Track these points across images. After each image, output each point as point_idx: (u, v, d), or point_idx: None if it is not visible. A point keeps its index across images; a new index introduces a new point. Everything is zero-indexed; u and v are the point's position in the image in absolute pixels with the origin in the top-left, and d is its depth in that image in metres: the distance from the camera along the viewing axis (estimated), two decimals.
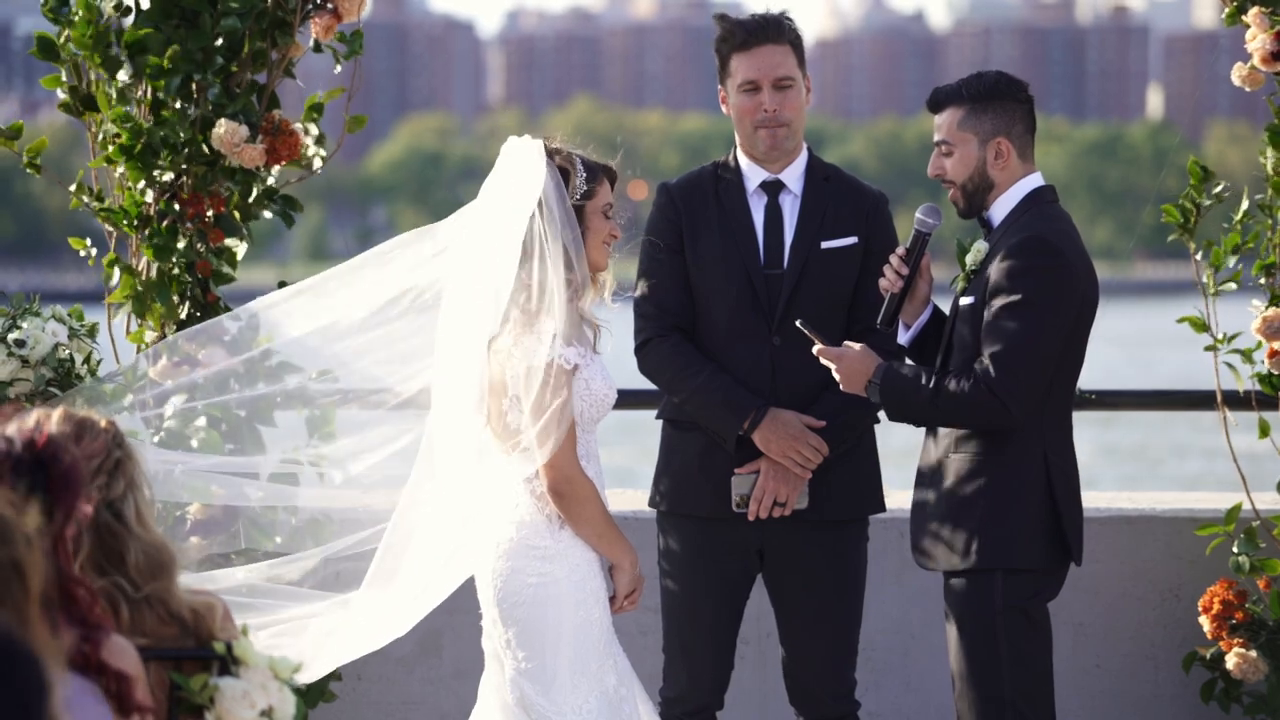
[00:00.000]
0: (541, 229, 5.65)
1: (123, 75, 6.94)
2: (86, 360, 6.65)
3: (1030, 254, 5.76)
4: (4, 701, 3.12)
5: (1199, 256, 7.04)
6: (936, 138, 5.95)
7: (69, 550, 3.99)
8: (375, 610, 5.73)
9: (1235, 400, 7.20)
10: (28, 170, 7.07)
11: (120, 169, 6.95)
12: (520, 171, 5.71)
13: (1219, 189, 7.01)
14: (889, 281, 5.97)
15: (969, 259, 5.90)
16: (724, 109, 6.46)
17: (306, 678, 5.67)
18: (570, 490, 5.63)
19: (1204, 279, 7.06)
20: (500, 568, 5.68)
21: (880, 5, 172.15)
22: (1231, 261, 7.03)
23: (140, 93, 6.99)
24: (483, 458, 5.74)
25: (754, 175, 6.39)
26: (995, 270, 5.78)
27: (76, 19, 6.94)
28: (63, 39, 6.98)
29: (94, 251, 7.03)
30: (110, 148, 6.93)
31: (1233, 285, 7.02)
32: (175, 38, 6.87)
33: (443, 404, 5.76)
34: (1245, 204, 7.02)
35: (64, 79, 7.01)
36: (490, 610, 5.71)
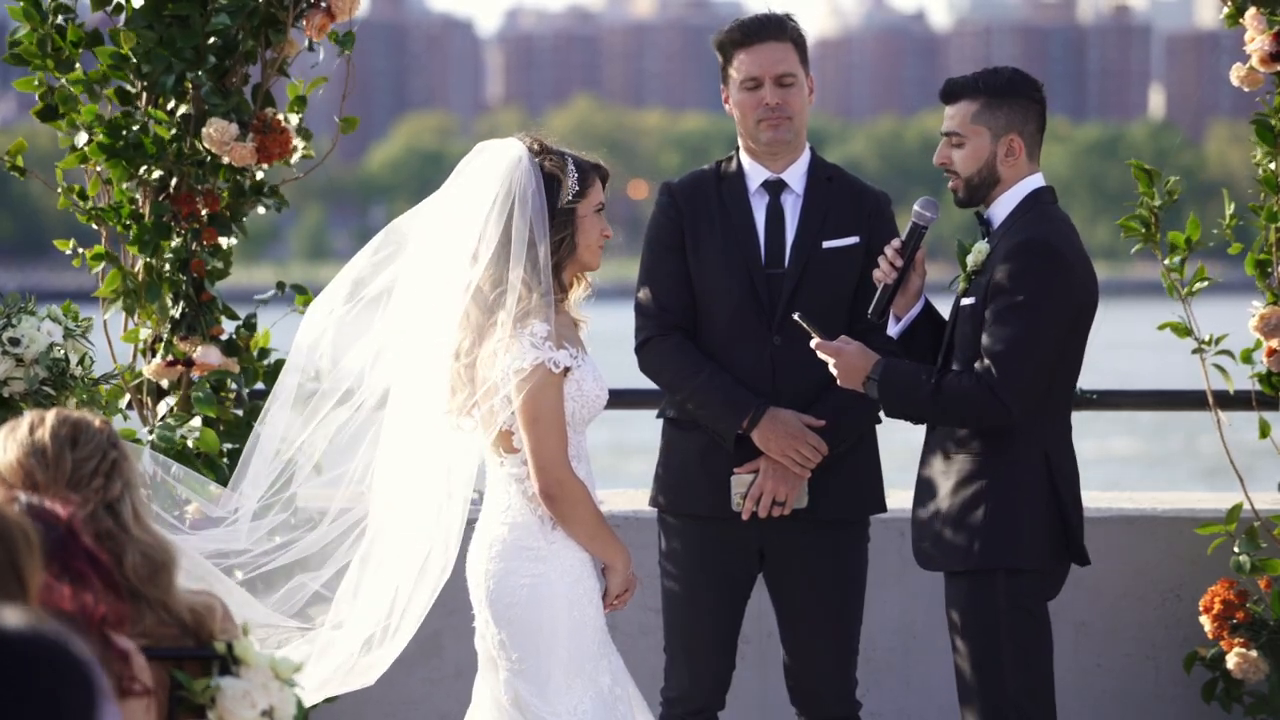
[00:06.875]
0: (520, 230, 5.63)
1: (77, 75, 6.94)
2: (81, 360, 6.65)
3: (1031, 255, 5.78)
4: (61, 709, 3.11)
5: (1166, 262, 7.03)
6: (947, 128, 5.94)
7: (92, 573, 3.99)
8: (355, 640, 5.72)
9: (1234, 400, 7.19)
10: (11, 172, 7.06)
11: (100, 167, 6.95)
12: (484, 174, 5.68)
13: (1169, 185, 6.99)
14: (882, 272, 5.98)
15: (970, 260, 5.90)
16: (727, 108, 6.45)
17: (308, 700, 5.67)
18: (561, 492, 5.61)
19: (1180, 282, 7.03)
20: (493, 569, 5.66)
21: (881, 4, 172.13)
22: (1183, 260, 7.00)
23: (112, 89, 6.98)
24: (450, 459, 5.73)
25: (756, 175, 6.39)
26: (997, 271, 5.79)
27: (22, 34, 6.94)
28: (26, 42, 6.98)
29: (80, 251, 7.03)
30: (86, 147, 6.92)
31: (1203, 283, 7.01)
32: (166, 36, 6.87)
33: (407, 405, 5.74)
34: (1231, 207, 7.01)
35: (37, 84, 7.01)
36: (483, 611, 5.69)
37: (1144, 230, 7.01)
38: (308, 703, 5.69)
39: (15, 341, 6.53)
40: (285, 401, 5.84)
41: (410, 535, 5.75)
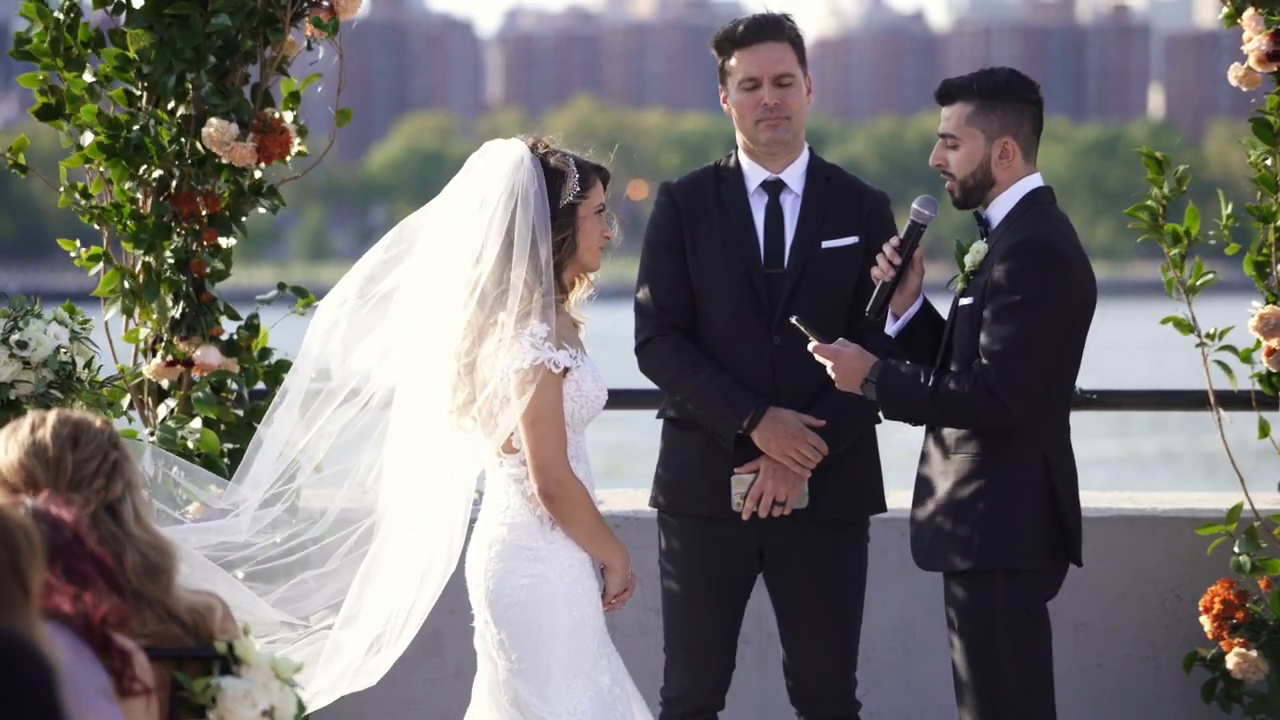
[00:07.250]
0: (522, 230, 5.64)
1: (88, 75, 6.95)
2: (88, 364, 6.66)
3: (1030, 255, 5.78)
4: (13, 704, 3.11)
5: (1171, 255, 7.02)
6: (942, 129, 5.94)
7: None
8: (359, 642, 5.73)
9: (1234, 399, 7.19)
10: (13, 170, 7.07)
11: (101, 167, 6.95)
12: (488, 174, 5.68)
13: (1179, 173, 6.98)
14: (880, 270, 5.98)
15: (968, 260, 5.90)
16: (725, 109, 6.46)
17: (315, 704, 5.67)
18: (560, 493, 5.62)
19: (1184, 277, 7.03)
20: (492, 569, 5.67)
21: (880, 4, 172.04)
22: (1183, 254, 7.00)
23: (113, 90, 6.99)
24: (454, 459, 5.74)
25: (755, 175, 6.39)
26: (995, 271, 5.79)
27: (35, 32, 6.95)
28: (34, 40, 6.99)
29: (84, 252, 7.03)
30: (87, 146, 6.93)
31: (1208, 276, 7.01)
32: (167, 37, 6.87)
33: (412, 405, 5.74)
34: (1228, 208, 7.00)
35: (40, 80, 7.01)
36: (482, 611, 5.70)
37: (1151, 221, 7.00)
38: (319, 705, 5.70)
39: (23, 344, 6.54)
40: (292, 402, 5.84)
41: (415, 535, 5.76)
